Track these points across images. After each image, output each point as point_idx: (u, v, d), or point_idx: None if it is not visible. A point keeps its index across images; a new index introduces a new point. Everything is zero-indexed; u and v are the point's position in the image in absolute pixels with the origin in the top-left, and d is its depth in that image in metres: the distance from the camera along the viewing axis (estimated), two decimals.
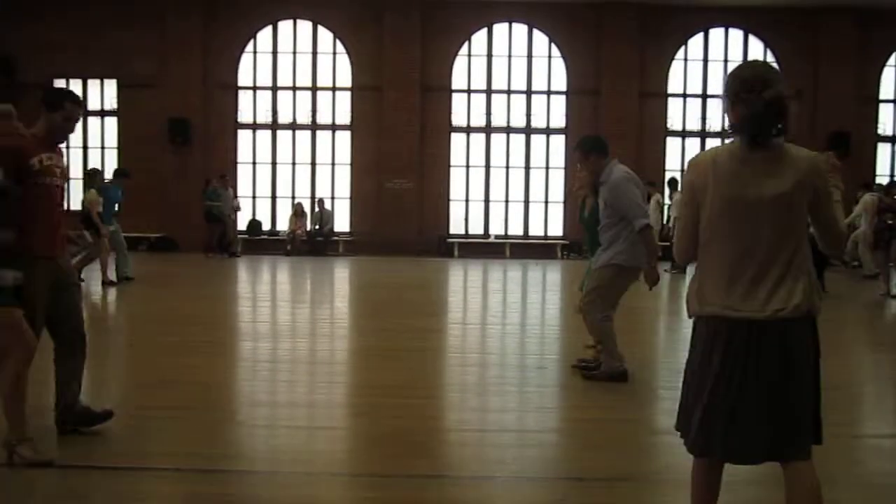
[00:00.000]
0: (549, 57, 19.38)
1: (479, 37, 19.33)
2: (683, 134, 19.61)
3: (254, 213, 19.57)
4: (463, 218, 19.58)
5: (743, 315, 2.73)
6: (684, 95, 19.52)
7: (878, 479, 3.82)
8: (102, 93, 19.31)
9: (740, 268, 2.76)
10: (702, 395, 2.79)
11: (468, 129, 19.50)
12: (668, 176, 18.19)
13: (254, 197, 19.67)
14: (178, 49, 18.64)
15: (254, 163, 19.59)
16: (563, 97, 19.38)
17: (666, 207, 17.31)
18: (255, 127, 19.56)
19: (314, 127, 19.55)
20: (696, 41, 19.40)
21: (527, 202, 19.66)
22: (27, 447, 3.90)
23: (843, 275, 15.17)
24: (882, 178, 18.59)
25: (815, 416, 2.97)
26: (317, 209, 19.08)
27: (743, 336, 2.75)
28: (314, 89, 19.49)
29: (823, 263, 12.53)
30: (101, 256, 11.83)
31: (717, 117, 19.60)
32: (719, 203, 2.74)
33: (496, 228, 19.65)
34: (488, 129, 19.57)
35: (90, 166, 16.05)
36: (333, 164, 19.56)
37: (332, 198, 19.45)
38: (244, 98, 19.45)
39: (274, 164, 19.63)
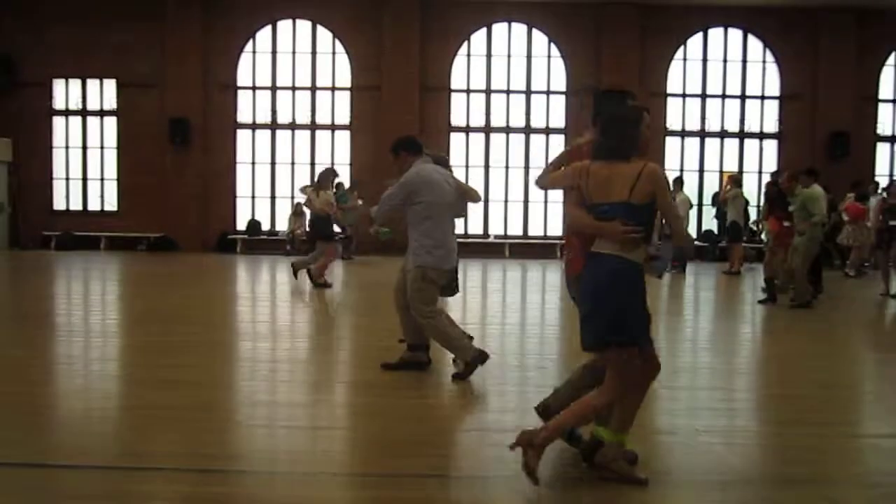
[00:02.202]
0: (549, 57, 19.39)
1: (479, 37, 19.34)
2: (683, 134, 19.61)
3: (253, 213, 19.56)
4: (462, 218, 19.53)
5: None
6: (684, 95, 19.52)
7: (878, 479, 3.82)
8: (102, 93, 19.31)
9: None
10: None
11: (467, 129, 19.50)
12: (667, 176, 18.19)
13: (253, 197, 19.67)
14: (177, 49, 18.64)
15: (253, 163, 19.59)
16: (563, 97, 19.38)
17: None
18: (254, 127, 19.56)
19: (313, 127, 19.55)
20: (695, 41, 19.41)
21: (526, 202, 19.66)
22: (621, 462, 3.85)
23: (839, 274, 15.18)
24: (882, 179, 18.61)
25: None
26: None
27: None
28: (313, 89, 19.50)
29: (821, 264, 12.53)
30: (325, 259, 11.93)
31: (716, 117, 19.61)
32: None
33: (495, 228, 19.65)
34: (488, 129, 19.58)
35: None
36: (333, 164, 19.52)
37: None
38: (243, 98, 19.45)
39: (273, 163, 19.63)
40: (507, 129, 19.57)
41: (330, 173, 12.72)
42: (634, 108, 4.13)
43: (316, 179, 12.63)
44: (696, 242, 18.57)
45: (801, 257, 10.45)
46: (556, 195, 19.35)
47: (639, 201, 3.75)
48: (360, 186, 17.96)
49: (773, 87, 19.47)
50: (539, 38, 19.35)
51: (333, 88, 19.44)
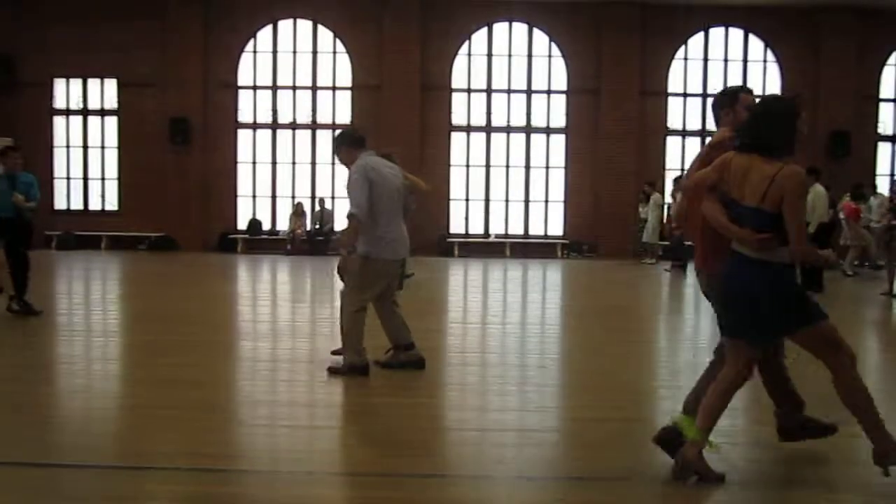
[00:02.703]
0: (550, 56, 19.38)
1: (480, 36, 19.32)
2: (684, 133, 19.60)
3: (254, 213, 19.56)
4: (463, 217, 19.57)
5: None
6: (685, 95, 19.51)
7: (878, 479, 3.81)
8: (102, 92, 19.31)
9: None
10: None
11: (468, 129, 19.50)
12: (668, 175, 18.20)
13: (254, 196, 19.66)
14: (178, 48, 18.64)
15: (254, 162, 19.58)
16: (564, 96, 19.37)
17: (666, 207, 17.29)
18: (255, 126, 19.56)
19: (314, 126, 19.54)
20: (696, 40, 19.40)
21: (527, 201, 19.65)
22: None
23: (837, 274, 15.18)
24: (883, 178, 18.61)
25: None
26: (317, 208, 19.08)
27: None
28: (314, 88, 19.49)
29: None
30: None
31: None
32: None
33: (496, 228, 19.65)
34: (488, 129, 19.56)
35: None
36: (333, 163, 19.49)
37: (333, 197, 19.43)
38: (244, 97, 19.45)
39: (274, 163, 19.63)
40: (508, 129, 19.56)
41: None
42: (792, 99, 3.88)
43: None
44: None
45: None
46: (557, 195, 19.44)
47: (770, 208, 3.60)
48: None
49: (774, 87, 19.44)
50: (540, 37, 19.33)
51: (334, 88, 19.43)
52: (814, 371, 6.29)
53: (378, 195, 5.87)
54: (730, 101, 4.20)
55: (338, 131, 6.53)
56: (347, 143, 6.13)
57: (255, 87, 19.46)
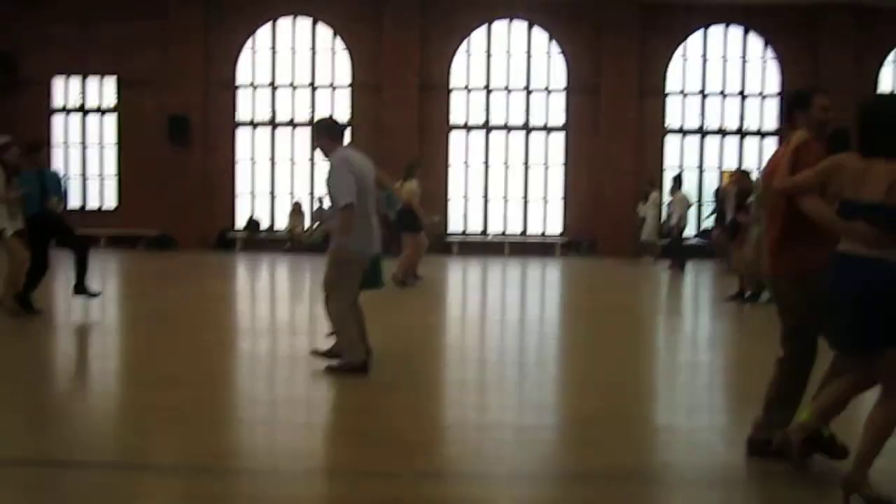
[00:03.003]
0: (549, 54, 19.36)
1: (479, 34, 19.31)
2: (683, 132, 19.59)
3: (253, 211, 19.55)
4: (462, 216, 19.57)
5: None
6: (684, 93, 19.51)
7: (877, 479, 3.82)
8: (102, 90, 19.30)
9: None
10: None
11: (467, 127, 19.49)
12: (667, 174, 18.20)
13: (252, 195, 19.65)
14: (177, 46, 18.61)
15: (253, 160, 19.56)
16: (563, 95, 19.37)
17: (665, 205, 17.30)
18: (254, 124, 19.54)
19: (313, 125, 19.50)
20: (695, 39, 19.39)
21: (525, 200, 19.64)
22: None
23: None
24: None
25: None
26: (315, 207, 19.07)
27: None
28: (313, 87, 19.48)
29: None
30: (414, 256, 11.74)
31: (716, 115, 19.61)
32: None
33: (495, 226, 19.64)
34: (487, 127, 19.56)
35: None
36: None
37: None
38: (243, 96, 19.43)
39: (273, 161, 19.61)
40: (507, 127, 19.55)
41: (414, 162, 12.45)
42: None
43: (404, 170, 12.22)
44: (700, 240, 18.57)
45: (755, 250, 10.48)
46: (556, 193, 19.44)
47: (892, 203, 3.49)
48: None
49: (773, 85, 19.46)
50: (539, 35, 19.33)
51: (333, 86, 19.43)
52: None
53: (358, 189, 5.83)
54: (805, 102, 4.23)
55: (321, 119, 6.35)
56: (324, 135, 6.04)
57: (254, 86, 19.44)
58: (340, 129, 6.16)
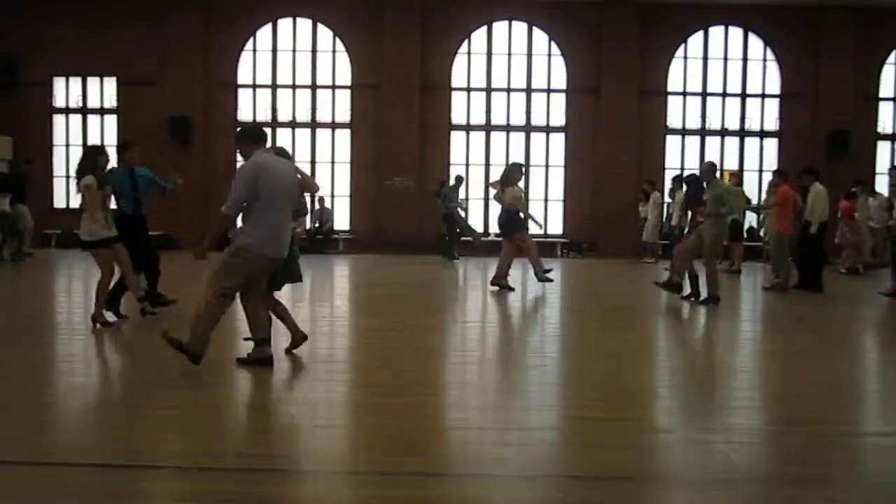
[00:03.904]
0: (549, 55, 19.37)
1: (479, 35, 19.33)
2: (683, 132, 19.60)
3: None
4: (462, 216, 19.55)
5: None
6: (684, 93, 19.51)
7: (878, 479, 3.82)
8: (102, 91, 19.31)
9: None
10: None
11: (468, 128, 19.50)
12: (668, 174, 18.19)
13: None
14: (178, 47, 18.64)
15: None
16: (563, 95, 19.37)
17: (666, 205, 17.29)
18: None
19: (314, 125, 19.54)
20: (696, 39, 19.40)
21: (526, 201, 19.59)
22: None
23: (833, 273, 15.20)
24: (882, 178, 18.60)
25: None
26: (317, 207, 19.07)
27: None
28: (314, 87, 19.49)
29: (821, 262, 12.52)
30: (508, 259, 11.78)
31: (717, 115, 19.60)
32: None
33: (496, 227, 19.59)
34: (488, 128, 19.56)
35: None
36: (333, 162, 19.55)
37: (332, 196, 19.44)
38: (244, 96, 19.44)
39: None
40: (508, 128, 19.56)
41: (517, 168, 12.42)
42: None
43: (503, 174, 12.18)
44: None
45: (709, 251, 10.44)
46: (557, 194, 19.43)
47: None
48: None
49: (774, 86, 19.46)
50: (539, 36, 19.33)
51: (334, 87, 19.43)
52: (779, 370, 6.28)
53: (266, 192, 5.83)
54: None
55: (243, 126, 6.47)
56: (247, 140, 6.12)
57: (254, 86, 19.46)
58: (259, 134, 6.21)
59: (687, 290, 10.66)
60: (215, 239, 5.95)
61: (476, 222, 19.21)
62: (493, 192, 12.30)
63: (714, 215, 10.33)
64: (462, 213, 17.87)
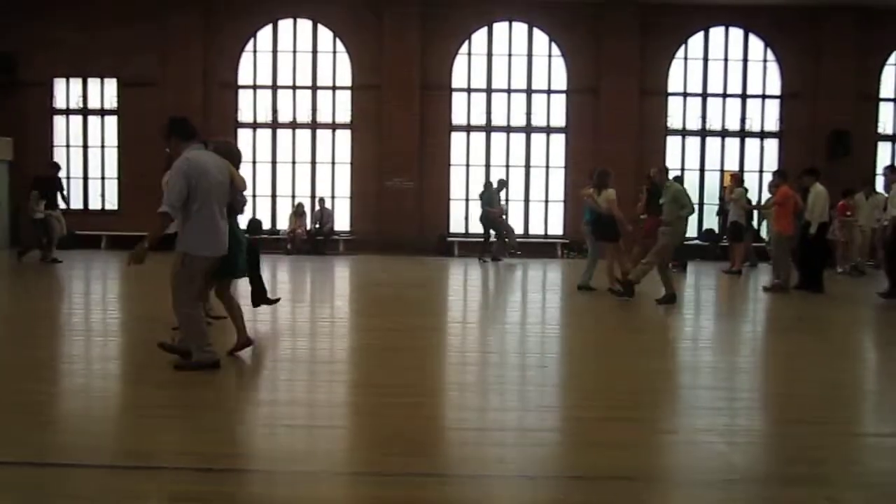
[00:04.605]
0: (550, 55, 19.37)
1: (479, 35, 19.32)
2: (684, 133, 19.59)
3: (254, 213, 19.55)
4: (463, 217, 19.57)
5: None
6: (685, 94, 19.50)
7: (878, 479, 3.82)
8: (103, 92, 19.31)
9: None
10: None
11: (468, 128, 19.49)
12: (668, 175, 18.15)
13: (254, 196, 19.63)
14: (178, 48, 18.64)
15: (254, 162, 19.56)
16: (564, 96, 19.37)
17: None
18: (255, 126, 19.56)
19: (314, 126, 19.54)
20: (696, 40, 19.39)
21: (527, 201, 19.65)
22: None
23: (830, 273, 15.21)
24: (882, 178, 18.59)
25: None
26: (317, 208, 19.08)
27: None
28: (314, 88, 19.49)
29: (822, 263, 12.52)
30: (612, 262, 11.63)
31: (717, 116, 19.60)
32: None
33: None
34: (488, 128, 19.56)
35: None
36: (333, 162, 19.55)
37: (333, 197, 19.44)
38: (244, 97, 19.45)
39: (274, 162, 19.62)
40: (508, 129, 19.56)
41: (607, 173, 12.37)
42: None
43: (594, 179, 12.05)
44: (696, 241, 18.57)
45: (658, 252, 10.40)
46: (557, 194, 19.43)
47: None
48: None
49: (774, 86, 19.45)
50: (540, 36, 19.33)
51: (334, 87, 19.43)
52: (783, 368, 6.30)
53: (198, 191, 5.80)
54: None
55: (172, 118, 6.24)
56: (176, 134, 6.00)
57: (255, 87, 19.47)
58: (190, 130, 6.08)
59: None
60: (154, 241, 5.86)
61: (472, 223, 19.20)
62: (587, 200, 12.11)
63: (675, 220, 10.35)
64: (504, 217, 17.65)
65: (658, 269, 10.50)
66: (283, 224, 19.40)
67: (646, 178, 13.28)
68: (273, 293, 12.57)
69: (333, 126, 19.48)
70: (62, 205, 15.70)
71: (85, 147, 19.53)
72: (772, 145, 19.67)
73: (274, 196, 19.71)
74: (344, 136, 19.49)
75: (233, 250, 6.35)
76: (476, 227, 19.34)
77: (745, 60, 19.46)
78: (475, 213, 18.25)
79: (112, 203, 19.45)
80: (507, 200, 18.54)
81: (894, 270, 11.42)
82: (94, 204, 19.57)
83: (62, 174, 16.80)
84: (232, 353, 6.48)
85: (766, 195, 15.38)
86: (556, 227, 19.53)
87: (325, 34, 19.31)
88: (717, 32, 19.40)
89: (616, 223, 11.61)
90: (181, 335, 6.19)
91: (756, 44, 19.38)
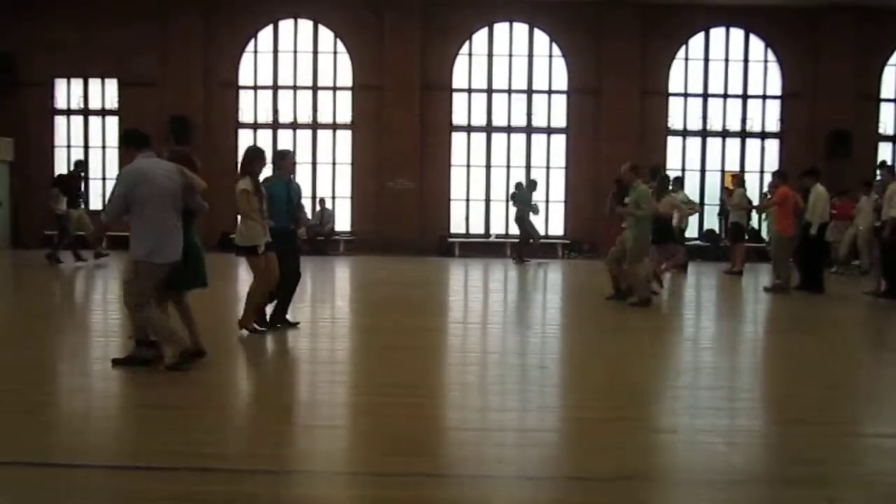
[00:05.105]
0: (550, 56, 19.39)
1: (480, 36, 19.34)
2: (684, 133, 19.60)
3: None
4: (464, 217, 19.58)
5: None
6: (685, 95, 19.51)
7: (878, 479, 3.81)
8: (103, 92, 19.33)
9: None
10: None
11: (469, 129, 19.50)
12: (670, 175, 18.17)
13: None
14: (179, 48, 18.67)
15: None
16: (564, 96, 19.38)
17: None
18: (255, 126, 19.57)
19: (315, 126, 19.56)
20: (696, 40, 19.40)
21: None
22: None
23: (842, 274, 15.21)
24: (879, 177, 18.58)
25: None
26: (318, 208, 19.09)
27: None
28: (315, 88, 19.50)
29: (821, 263, 12.52)
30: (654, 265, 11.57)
31: (718, 116, 19.60)
32: None
33: (497, 228, 19.64)
34: (489, 129, 19.57)
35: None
36: (334, 163, 19.57)
37: (333, 197, 19.46)
38: (245, 97, 19.46)
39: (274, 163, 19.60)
40: (509, 129, 19.57)
41: (666, 178, 12.30)
42: None
43: (657, 183, 12.02)
44: (697, 242, 18.57)
45: (632, 254, 10.37)
46: (558, 195, 19.43)
47: None
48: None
49: (775, 87, 19.46)
50: (540, 37, 19.34)
51: (335, 88, 19.45)
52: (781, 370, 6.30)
53: (145, 199, 5.81)
54: None
55: (126, 130, 6.41)
56: (131, 144, 6.08)
57: (255, 87, 19.48)
58: (138, 138, 6.14)
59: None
60: (101, 234, 5.96)
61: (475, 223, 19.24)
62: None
63: (631, 217, 10.32)
64: (532, 217, 17.62)
65: (633, 272, 10.32)
66: None
67: (615, 182, 13.17)
68: (273, 293, 12.61)
69: (334, 126, 19.49)
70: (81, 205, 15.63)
71: (86, 147, 19.55)
72: (772, 145, 19.68)
73: None
74: (344, 137, 19.50)
75: (192, 259, 6.26)
76: (476, 228, 19.40)
77: (746, 61, 19.48)
78: (477, 214, 18.26)
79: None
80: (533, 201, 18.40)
81: (893, 271, 11.41)
82: (95, 204, 19.56)
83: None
84: (175, 366, 5.99)
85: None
86: (557, 228, 19.53)
87: (325, 34, 19.33)
88: (717, 33, 19.42)
89: (671, 226, 11.87)
90: (134, 343, 6.14)
91: (756, 44, 19.40)
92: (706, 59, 19.51)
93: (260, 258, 7.48)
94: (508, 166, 19.55)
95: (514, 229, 17.86)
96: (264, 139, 19.59)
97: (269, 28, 19.33)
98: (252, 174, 7.52)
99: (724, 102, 19.57)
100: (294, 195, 8.06)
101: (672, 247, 12.43)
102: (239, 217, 7.61)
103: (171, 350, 5.96)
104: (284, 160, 8.10)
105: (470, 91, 19.43)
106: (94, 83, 19.36)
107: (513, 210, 17.53)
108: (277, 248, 7.62)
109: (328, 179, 19.59)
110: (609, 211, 13.29)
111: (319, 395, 5.74)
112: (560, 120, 19.45)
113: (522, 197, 17.20)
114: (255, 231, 7.41)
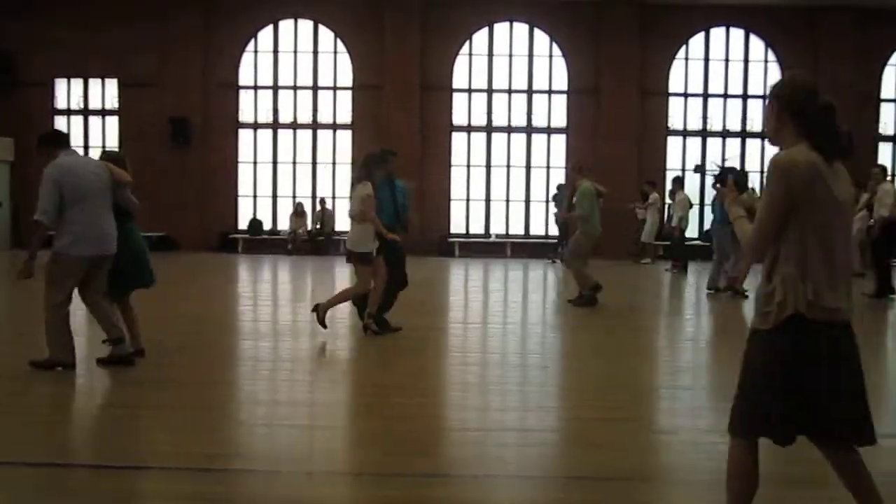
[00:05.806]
0: (550, 56, 19.38)
1: (480, 36, 19.33)
2: (684, 133, 19.60)
3: (255, 213, 19.58)
4: (464, 217, 19.58)
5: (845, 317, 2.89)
6: (685, 95, 19.51)
7: (878, 479, 3.80)
8: (103, 92, 19.33)
9: (831, 269, 2.80)
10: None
11: (469, 129, 19.50)
12: (669, 175, 18.18)
13: (255, 196, 19.68)
14: (178, 48, 18.66)
15: (255, 162, 19.60)
16: (564, 96, 19.38)
17: (667, 206, 17.28)
18: (256, 126, 19.57)
19: (315, 126, 19.55)
20: (696, 40, 19.40)
21: (528, 201, 19.66)
22: None
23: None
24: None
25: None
26: (318, 208, 19.09)
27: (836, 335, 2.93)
28: (315, 88, 19.50)
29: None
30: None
31: (717, 116, 19.60)
32: (819, 204, 2.76)
33: (497, 228, 19.65)
34: (489, 129, 19.57)
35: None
36: (334, 163, 19.56)
37: (333, 197, 19.45)
38: (245, 97, 19.46)
39: (275, 163, 19.64)
40: (509, 129, 19.57)
41: (747, 174, 12.37)
42: None
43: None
44: (697, 242, 18.56)
45: (572, 254, 10.32)
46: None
47: None
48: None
49: None
50: (540, 37, 19.34)
51: (335, 88, 19.45)
52: None
53: (71, 193, 5.76)
54: None
55: (44, 132, 6.32)
56: (47, 145, 6.00)
57: (255, 87, 19.48)
58: (57, 137, 6.13)
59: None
60: (35, 251, 5.77)
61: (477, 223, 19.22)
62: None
63: (578, 217, 10.30)
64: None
65: (575, 270, 10.24)
66: (284, 224, 19.41)
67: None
68: (274, 293, 12.64)
69: (334, 126, 19.49)
70: None
71: (86, 147, 19.52)
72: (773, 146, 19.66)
73: (275, 196, 19.72)
74: (345, 137, 19.50)
75: (137, 259, 6.24)
76: (477, 228, 19.42)
77: (746, 61, 19.47)
78: (477, 214, 18.25)
79: None
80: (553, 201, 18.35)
81: (881, 270, 11.45)
82: None
83: None
84: (107, 360, 6.07)
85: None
86: (556, 228, 19.49)
87: (325, 35, 19.32)
88: (717, 33, 19.41)
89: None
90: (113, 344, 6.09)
91: (756, 44, 19.39)
92: (706, 59, 19.51)
93: (370, 263, 7.52)
94: (508, 166, 19.54)
95: (512, 229, 17.73)
96: (264, 139, 19.60)
97: (269, 28, 19.33)
98: (370, 177, 7.54)
99: (724, 102, 19.57)
100: (399, 196, 8.05)
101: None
102: (351, 222, 7.59)
103: (51, 357, 5.83)
104: (389, 161, 8.03)
105: (470, 91, 19.42)
106: (94, 83, 19.36)
107: (553, 210, 17.67)
108: (389, 253, 7.65)
109: (328, 179, 19.59)
110: (563, 215, 13.29)
111: (319, 395, 5.73)
112: (560, 120, 19.45)
113: (562, 199, 17.19)
114: (370, 236, 7.45)
